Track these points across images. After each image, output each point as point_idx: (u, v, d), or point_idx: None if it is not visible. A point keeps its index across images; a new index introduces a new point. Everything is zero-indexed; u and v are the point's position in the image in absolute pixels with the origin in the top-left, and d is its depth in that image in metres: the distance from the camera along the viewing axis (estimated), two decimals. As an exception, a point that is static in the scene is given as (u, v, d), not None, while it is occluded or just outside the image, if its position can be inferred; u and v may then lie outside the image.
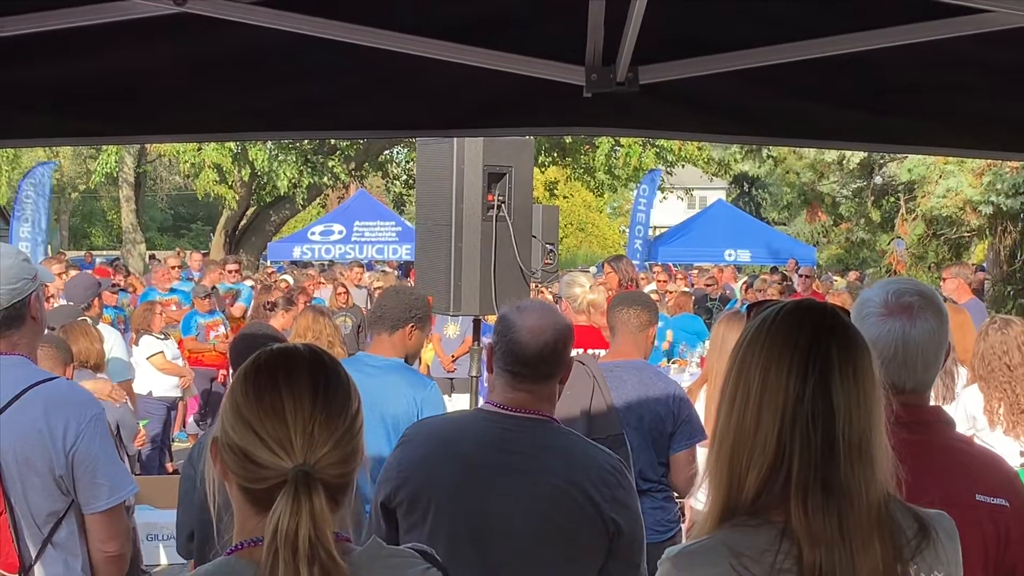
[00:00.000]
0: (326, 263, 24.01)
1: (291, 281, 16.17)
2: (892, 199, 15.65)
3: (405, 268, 21.36)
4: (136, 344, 10.50)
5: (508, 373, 3.01)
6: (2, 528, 3.10)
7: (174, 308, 12.40)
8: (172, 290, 13.44)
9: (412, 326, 4.98)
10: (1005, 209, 13.26)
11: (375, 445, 4.66)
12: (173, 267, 14.76)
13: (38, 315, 3.33)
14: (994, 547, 2.34)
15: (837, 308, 1.93)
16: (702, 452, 4.94)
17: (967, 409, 5.90)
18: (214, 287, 13.57)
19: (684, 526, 5.45)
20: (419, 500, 2.99)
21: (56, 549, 3.17)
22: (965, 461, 2.45)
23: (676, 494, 5.21)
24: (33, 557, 3.15)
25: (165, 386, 10.49)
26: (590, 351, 6.15)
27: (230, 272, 15.29)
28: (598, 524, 2.95)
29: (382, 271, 17.95)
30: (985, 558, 2.33)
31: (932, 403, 2.57)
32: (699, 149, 27.81)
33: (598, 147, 27.21)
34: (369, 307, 14.62)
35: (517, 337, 2.99)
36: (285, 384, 1.71)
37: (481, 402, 3.37)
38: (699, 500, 5.01)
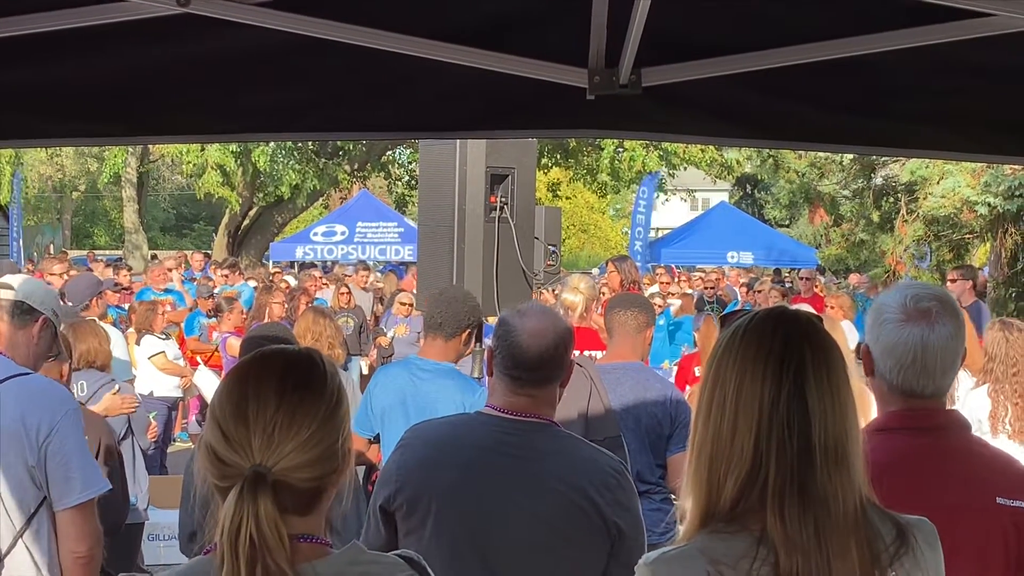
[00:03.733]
0: (328, 263, 24.02)
1: (292, 282, 16.19)
2: (891, 199, 15.61)
3: (406, 270, 21.35)
4: (138, 344, 10.51)
5: (509, 377, 3.00)
6: None
7: (169, 308, 12.42)
8: (167, 290, 13.45)
9: (468, 332, 4.99)
10: (1002, 211, 13.23)
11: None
12: (170, 269, 14.76)
13: (38, 342, 3.41)
14: (1015, 550, 2.35)
15: (811, 315, 1.95)
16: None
17: (972, 412, 5.87)
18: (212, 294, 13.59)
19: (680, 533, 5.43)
20: (419, 504, 2.98)
21: (26, 546, 3.18)
22: (984, 464, 2.46)
23: (674, 496, 5.20)
24: (3, 551, 3.16)
25: (166, 386, 10.49)
26: (587, 353, 6.14)
27: (223, 276, 15.37)
28: (600, 528, 2.94)
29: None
30: (1007, 560, 2.35)
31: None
32: (702, 151, 27.82)
33: (603, 149, 27.21)
34: (374, 309, 14.65)
35: (518, 341, 2.97)
36: (253, 385, 1.74)
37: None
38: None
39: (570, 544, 2.94)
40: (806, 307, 7.86)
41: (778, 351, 1.84)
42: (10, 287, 3.36)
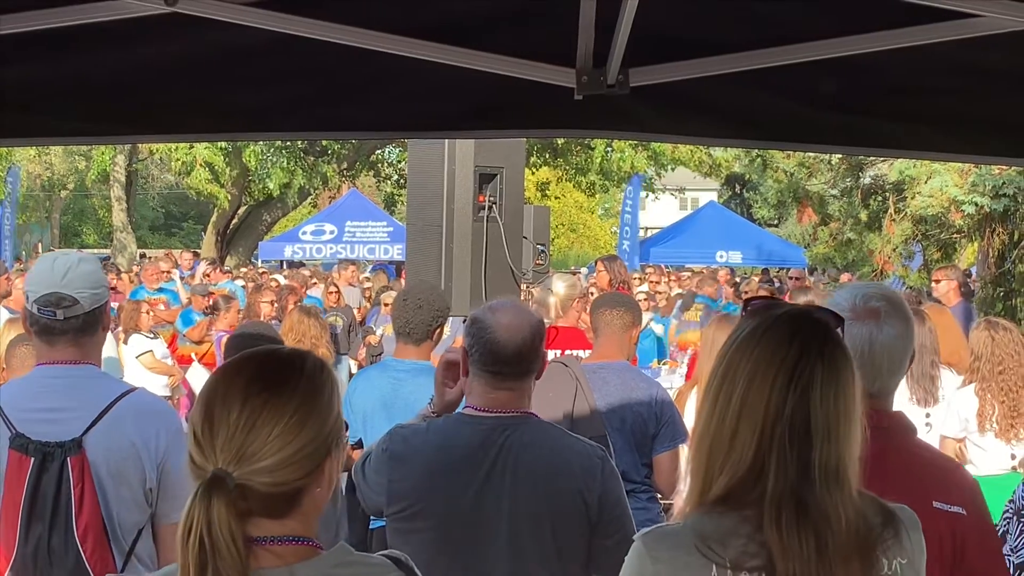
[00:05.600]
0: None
1: (281, 281, 16.17)
2: (879, 199, 15.64)
3: (396, 268, 21.34)
4: (125, 343, 10.48)
5: (489, 374, 3.04)
6: (104, 547, 3.01)
7: (162, 308, 12.39)
8: (160, 289, 13.41)
9: (437, 330, 5.05)
10: (988, 210, 13.26)
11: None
12: (165, 271, 14.70)
13: (107, 325, 3.28)
14: (950, 555, 2.37)
15: (830, 324, 1.93)
16: (685, 453, 4.94)
17: (959, 411, 5.89)
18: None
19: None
20: (412, 510, 3.02)
21: (138, 561, 3.11)
22: (924, 468, 2.47)
23: (660, 495, 5.21)
24: (119, 570, 3.08)
25: (154, 385, 10.46)
26: (573, 352, 6.15)
27: (205, 275, 15.32)
28: (583, 514, 3.00)
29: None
30: (941, 565, 2.35)
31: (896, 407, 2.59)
32: (691, 151, 27.86)
33: (593, 148, 27.24)
34: (363, 307, 14.66)
35: (495, 337, 3.02)
36: (222, 388, 1.73)
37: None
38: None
39: (558, 532, 2.99)
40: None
41: (791, 362, 1.84)
42: (76, 301, 3.10)
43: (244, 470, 1.66)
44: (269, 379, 1.74)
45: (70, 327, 3.12)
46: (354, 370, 11.92)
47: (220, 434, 1.68)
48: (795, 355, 1.84)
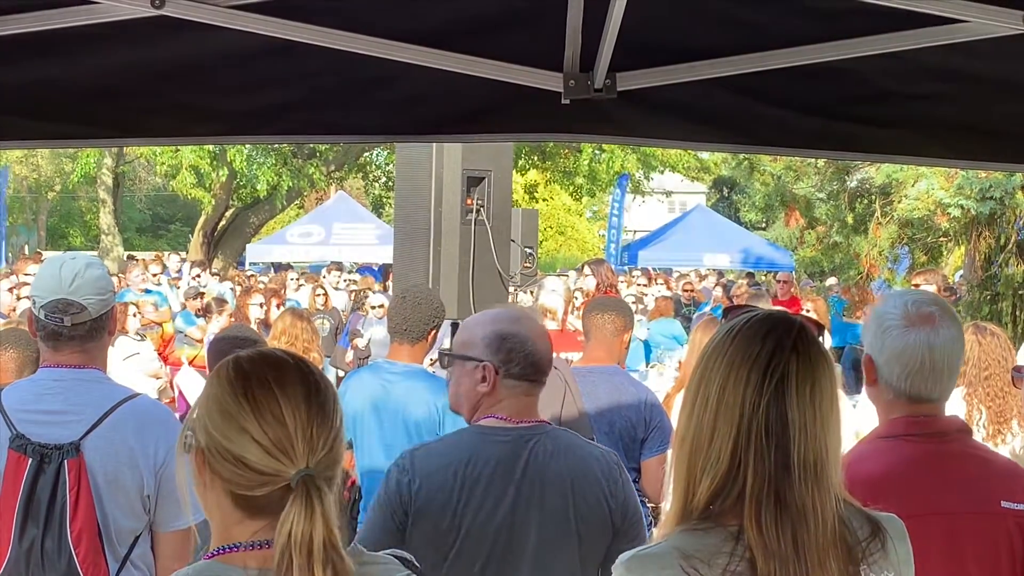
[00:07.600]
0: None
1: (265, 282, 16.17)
2: (866, 202, 15.70)
3: (384, 271, 21.30)
4: (112, 345, 10.44)
5: (528, 382, 3.03)
6: (98, 551, 3.00)
7: (151, 309, 12.36)
8: (147, 291, 13.37)
9: (434, 333, 5.02)
10: (975, 213, 13.31)
11: (399, 450, 4.60)
12: (155, 274, 14.66)
13: (113, 329, 3.27)
14: (1020, 552, 2.38)
15: (806, 324, 1.93)
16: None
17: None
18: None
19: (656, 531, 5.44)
20: (442, 529, 2.95)
21: (133, 567, 3.09)
22: (988, 468, 2.48)
23: (647, 500, 5.22)
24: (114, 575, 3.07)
25: (143, 388, 10.43)
26: (563, 355, 6.15)
27: (196, 276, 15.30)
28: (607, 517, 3.01)
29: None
30: (1012, 563, 2.37)
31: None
32: (679, 154, 27.90)
33: (581, 151, 27.26)
34: (349, 310, 14.63)
35: (535, 347, 3.02)
36: (279, 388, 1.68)
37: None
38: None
39: (584, 538, 2.99)
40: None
41: (764, 358, 1.83)
42: (83, 308, 3.09)
43: (320, 467, 1.65)
44: (315, 377, 1.73)
45: (77, 333, 3.11)
46: (342, 374, 11.89)
47: (298, 435, 1.65)
48: (768, 351, 1.84)
